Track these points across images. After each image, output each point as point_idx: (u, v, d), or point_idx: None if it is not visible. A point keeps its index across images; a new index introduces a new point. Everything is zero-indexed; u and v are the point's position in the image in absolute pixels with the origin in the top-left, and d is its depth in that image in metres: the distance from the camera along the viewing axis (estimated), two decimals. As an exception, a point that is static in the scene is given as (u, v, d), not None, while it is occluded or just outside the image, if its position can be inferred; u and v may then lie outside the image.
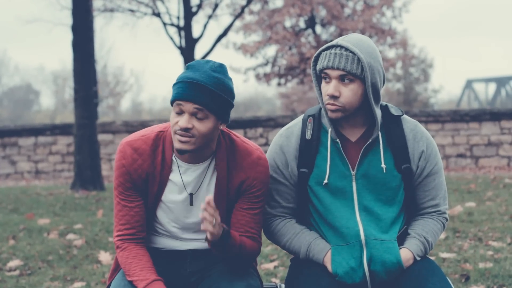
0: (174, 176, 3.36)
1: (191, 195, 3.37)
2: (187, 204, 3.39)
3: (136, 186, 3.35)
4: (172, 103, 3.22)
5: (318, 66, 3.32)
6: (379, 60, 3.32)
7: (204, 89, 3.15)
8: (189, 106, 3.15)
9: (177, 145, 3.20)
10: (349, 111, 3.29)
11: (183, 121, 3.16)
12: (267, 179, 3.39)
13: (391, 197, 3.37)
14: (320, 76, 3.36)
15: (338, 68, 3.23)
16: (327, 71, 3.27)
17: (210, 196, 3.07)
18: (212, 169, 3.37)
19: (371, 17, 32.17)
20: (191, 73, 3.19)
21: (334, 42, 3.29)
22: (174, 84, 3.22)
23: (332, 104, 3.27)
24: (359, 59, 3.23)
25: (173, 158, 3.36)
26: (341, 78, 3.25)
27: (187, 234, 3.47)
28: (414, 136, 3.43)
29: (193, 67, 3.22)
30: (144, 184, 3.35)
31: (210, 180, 3.38)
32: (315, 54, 3.35)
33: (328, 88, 3.27)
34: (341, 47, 3.26)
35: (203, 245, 3.48)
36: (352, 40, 3.29)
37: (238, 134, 3.46)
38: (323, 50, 3.31)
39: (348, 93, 3.26)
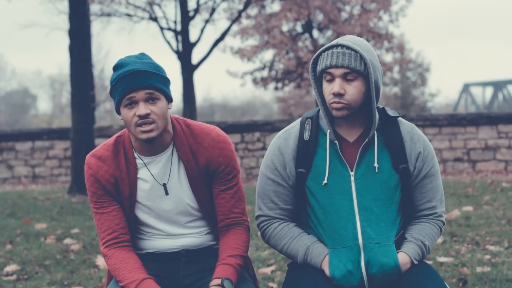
0: (142, 174, 3.42)
1: (164, 185, 3.42)
2: (163, 195, 3.43)
3: (108, 192, 3.41)
4: (119, 103, 3.27)
5: (320, 67, 3.33)
6: (377, 58, 3.38)
7: (146, 73, 3.23)
8: (140, 94, 3.22)
9: (143, 136, 3.26)
10: (354, 109, 3.31)
11: (141, 109, 3.22)
12: (232, 153, 3.46)
13: (390, 197, 3.38)
14: (320, 78, 3.37)
15: (342, 66, 3.26)
16: (331, 70, 3.28)
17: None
18: (176, 156, 3.43)
19: (368, 21, 32.19)
20: (124, 68, 3.26)
21: (334, 42, 3.32)
22: (114, 85, 3.27)
23: (338, 102, 3.28)
24: (361, 57, 3.27)
25: (135, 155, 3.42)
26: (345, 76, 3.28)
27: (176, 229, 3.49)
28: (411, 138, 3.44)
29: (122, 64, 3.29)
30: (115, 188, 3.41)
31: (178, 167, 3.43)
32: (314, 56, 3.38)
33: (333, 86, 3.28)
34: (342, 46, 3.29)
35: (195, 241, 3.52)
36: (351, 39, 3.33)
37: (191, 120, 3.54)
38: (323, 51, 3.33)
39: (353, 90, 3.28)
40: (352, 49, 3.28)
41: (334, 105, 3.30)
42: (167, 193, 3.42)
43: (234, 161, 3.47)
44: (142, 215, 3.47)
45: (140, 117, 3.22)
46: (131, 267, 3.32)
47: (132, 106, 3.24)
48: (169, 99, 3.35)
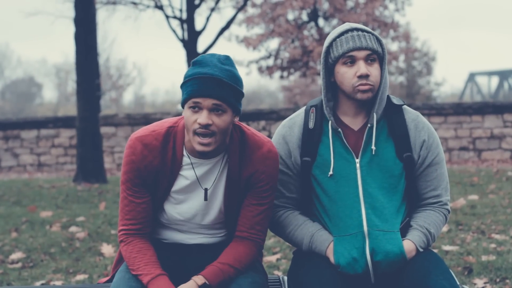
0: (185, 172, 3.32)
1: (206, 190, 3.35)
2: (200, 198, 3.37)
3: (145, 182, 3.31)
4: (185, 101, 3.16)
5: (338, 51, 3.31)
6: None
7: (220, 83, 3.11)
8: (208, 102, 3.11)
9: (198, 147, 3.16)
10: (375, 91, 3.32)
11: (203, 117, 3.11)
12: (276, 172, 3.36)
13: (394, 185, 3.38)
14: (331, 68, 3.36)
15: (366, 48, 3.27)
16: (354, 53, 3.28)
17: None
18: (224, 162, 3.34)
19: (373, 10, 32.13)
20: (201, 68, 3.14)
21: (347, 27, 3.33)
22: (186, 82, 3.16)
23: (365, 84, 3.28)
24: (377, 39, 3.32)
25: (184, 153, 3.32)
26: (367, 58, 3.28)
27: (193, 228, 3.46)
28: (415, 126, 3.43)
29: (201, 62, 3.17)
30: (154, 180, 3.31)
31: (221, 173, 3.35)
32: (327, 44, 3.35)
33: (357, 69, 3.28)
34: (357, 29, 3.31)
35: (209, 240, 3.49)
36: (359, 25, 3.34)
37: (248, 126, 3.43)
38: (338, 37, 3.32)
39: (375, 71, 3.30)
40: (368, 32, 3.31)
41: (361, 87, 3.29)
42: (206, 199, 3.35)
43: (275, 180, 3.37)
44: (169, 207, 3.40)
45: (201, 125, 3.11)
46: (148, 259, 3.29)
47: (196, 110, 3.12)
48: (237, 113, 3.23)
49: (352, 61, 3.29)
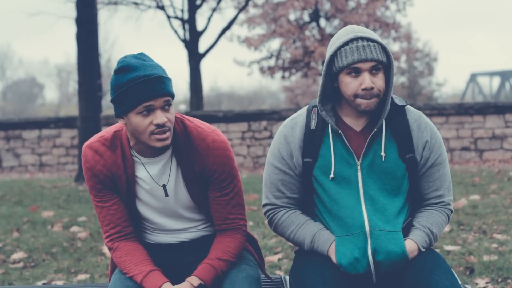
0: (140, 173, 3.34)
1: (164, 186, 3.36)
2: (162, 196, 3.38)
3: (106, 186, 3.34)
4: (130, 109, 3.13)
5: (343, 62, 3.27)
6: None
7: (162, 79, 3.13)
8: (159, 102, 3.12)
9: (158, 144, 3.16)
10: (379, 99, 3.31)
11: (160, 118, 3.12)
12: (228, 159, 3.34)
13: (396, 187, 3.37)
14: (335, 75, 3.34)
15: (371, 60, 3.24)
16: (358, 65, 3.25)
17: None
18: (173, 157, 3.35)
19: (375, 10, 32.14)
20: (136, 72, 3.11)
21: (352, 36, 3.28)
22: (124, 90, 3.11)
23: (370, 97, 3.27)
24: (382, 47, 3.28)
25: (133, 155, 3.33)
26: (371, 69, 3.26)
27: (176, 223, 3.47)
28: (418, 126, 3.42)
29: (128, 66, 3.13)
30: (113, 183, 3.34)
31: (176, 169, 3.35)
32: (330, 54, 3.32)
33: (361, 81, 3.26)
34: (362, 38, 3.27)
35: (195, 234, 3.51)
36: (364, 30, 3.32)
37: (192, 118, 3.42)
38: (342, 47, 3.29)
39: (380, 82, 3.28)
40: (373, 41, 3.27)
41: (365, 101, 3.27)
42: (166, 195, 3.36)
43: (230, 167, 3.35)
44: (143, 209, 3.42)
45: (158, 125, 3.12)
46: (137, 259, 3.31)
47: (149, 113, 3.12)
48: (173, 98, 3.25)
49: (357, 72, 3.27)
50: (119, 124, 3.39)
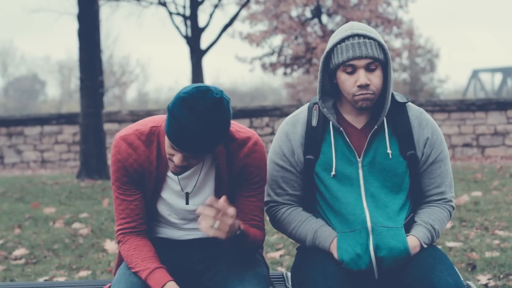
0: (170, 172, 3.31)
1: (187, 194, 3.33)
2: (183, 201, 3.36)
3: (133, 180, 3.30)
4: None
5: (338, 59, 3.27)
6: None
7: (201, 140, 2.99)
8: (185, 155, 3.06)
9: (171, 169, 3.16)
10: (376, 97, 3.30)
11: (179, 161, 3.06)
12: (265, 164, 3.35)
13: (398, 184, 3.36)
14: (333, 72, 3.34)
15: (366, 57, 3.23)
16: (354, 62, 3.24)
17: (211, 198, 3.01)
18: (209, 162, 3.31)
19: (377, 7, 32.08)
20: (189, 120, 2.93)
21: (348, 33, 3.27)
22: (173, 132, 2.99)
23: (365, 94, 3.26)
24: (379, 44, 3.26)
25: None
26: (367, 67, 3.25)
27: (190, 225, 3.45)
28: (419, 123, 3.41)
29: (189, 110, 2.94)
30: (141, 178, 3.31)
31: (206, 174, 3.32)
32: (328, 49, 3.32)
33: (356, 78, 3.25)
34: (359, 35, 3.26)
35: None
36: (363, 27, 3.31)
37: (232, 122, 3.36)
38: (338, 44, 3.29)
39: (376, 79, 3.27)
40: (370, 38, 3.26)
41: (361, 97, 3.27)
42: (187, 203, 3.33)
43: (265, 172, 3.36)
44: (161, 207, 3.39)
45: (177, 167, 3.13)
46: (144, 255, 3.30)
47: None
48: None
49: (352, 69, 3.26)
50: (156, 118, 3.35)
